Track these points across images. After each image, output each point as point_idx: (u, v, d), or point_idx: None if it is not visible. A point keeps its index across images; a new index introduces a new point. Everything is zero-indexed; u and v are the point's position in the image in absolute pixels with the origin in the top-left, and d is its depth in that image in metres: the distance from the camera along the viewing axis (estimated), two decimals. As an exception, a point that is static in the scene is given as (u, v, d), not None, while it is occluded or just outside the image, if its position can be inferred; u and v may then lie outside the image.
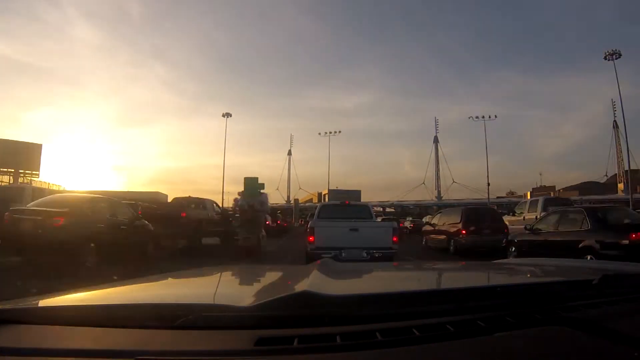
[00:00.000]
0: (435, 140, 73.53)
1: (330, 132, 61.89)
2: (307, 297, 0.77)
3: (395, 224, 7.04)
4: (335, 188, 64.54)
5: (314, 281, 1.01)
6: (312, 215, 10.23)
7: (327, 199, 46.70)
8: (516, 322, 0.78)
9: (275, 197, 71.22)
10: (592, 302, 0.92)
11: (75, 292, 1.10)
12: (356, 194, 69.53)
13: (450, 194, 66.89)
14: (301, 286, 0.87)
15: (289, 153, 78.25)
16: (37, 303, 0.95)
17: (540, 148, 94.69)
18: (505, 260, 2.25)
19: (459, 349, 0.67)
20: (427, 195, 68.76)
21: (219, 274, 1.68)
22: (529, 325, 0.77)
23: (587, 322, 0.77)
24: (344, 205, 9.64)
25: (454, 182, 70.01)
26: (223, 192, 41.61)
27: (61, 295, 1.06)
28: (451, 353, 0.67)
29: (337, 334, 0.69)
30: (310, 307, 0.76)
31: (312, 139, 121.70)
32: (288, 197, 68.71)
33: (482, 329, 0.74)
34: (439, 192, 68.96)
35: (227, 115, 51.16)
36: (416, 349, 0.67)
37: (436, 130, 73.75)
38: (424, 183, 70.96)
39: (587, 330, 0.73)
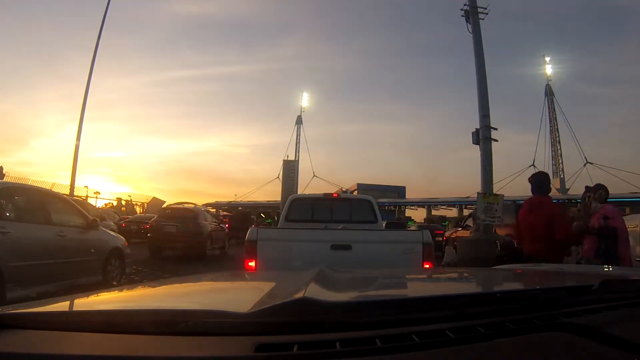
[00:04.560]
0: (548, 92, 44.88)
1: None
2: (307, 303, 0.77)
3: (427, 234, 3.71)
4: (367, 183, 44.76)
5: (314, 287, 1.00)
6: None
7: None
8: (516, 328, 0.78)
9: (272, 190, 52.41)
10: (592, 308, 0.92)
11: (75, 297, 1.10)
12: (397, 190, 49.95)
13: (579, 184, 38.32)
14: (300, 292, 0.87)
15: (299, 121, 54.87)
16: (37, 308, 0.95)
17: None
18: (505, 266, 2.25)
19: (459, 355, 0.67)
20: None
21: (218, 280, 1.68)
22: (529, 331, 0.77)
23: (587, 327, 0.77)
24: (330, 200, 5.88)
25: (587, 162, 41.00)
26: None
27: (61, 300, 1.06)
28: None
29: (337, 341, 0.69)
30: (309, 314, 0.76)
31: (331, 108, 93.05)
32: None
33: (482, 335, 0.74)
34: (562, 181, 41.34)
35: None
36: (416, 355, 0.67)
37: (547, 79, 43.82)
38: (533, 165, 41.88)
39: (588, 336, 0.73)
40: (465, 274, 2.00)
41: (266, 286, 1.32)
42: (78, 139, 19.14)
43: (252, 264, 3.44)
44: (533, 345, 0.72)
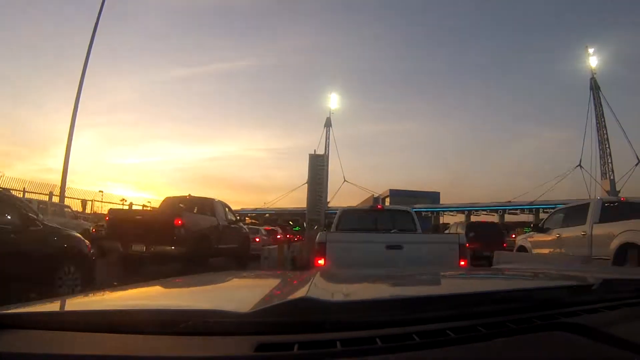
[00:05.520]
0: (594, 86, 40.20)
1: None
2: (308, 303, 0.77)
3: (463, 237, 4.39)
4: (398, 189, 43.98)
5: (315, 287, 1.01)
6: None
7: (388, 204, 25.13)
8: (516, 327, 0.78)
9: (297, 197, 50.01)
10: (592, 307, 0.92)
11: (76, 297, 1.10)
12: (431, 196, 48.34)
13: (631, 184, 34.93)
14: (301, 292, 0.87)
15: (327, 124, 51.35)
16: (38, 308, 0.95)
17: None
18: (505, 266, 2.25)
19: (459, 355, 0.67)
20: (581, 190, 36.45)
21: (219, 280, 1.68)
22: (530, 330, 0.77)
23: (587, 327, 0.77)
24: (375, 212, 6.97)
25: (640, 161, 35.98)
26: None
27: (62, 300, 1.05)
28: (451, 359, 0.67)
29: (338, 340, 0.69)
30: (310, 313, 0.76)
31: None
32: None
33: (483, 335, 0.74)
34: (612, 182, 36.90)
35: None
36: (416, 355, 0.67)
37: (592, 72, 39.46)
38: (580, 165, 39.72)
39: (588, 335, 0.73)
40: (466, 273, 2.00)
41: (267, 286, 1.32)
42: (69, 139, 18.66)
43: (321, 261, 4.22)
44: (533, 344, 0.72)
